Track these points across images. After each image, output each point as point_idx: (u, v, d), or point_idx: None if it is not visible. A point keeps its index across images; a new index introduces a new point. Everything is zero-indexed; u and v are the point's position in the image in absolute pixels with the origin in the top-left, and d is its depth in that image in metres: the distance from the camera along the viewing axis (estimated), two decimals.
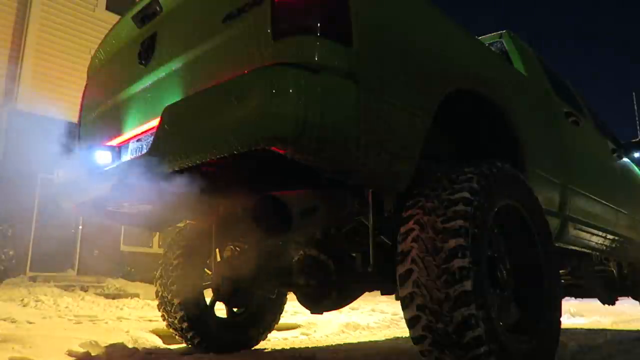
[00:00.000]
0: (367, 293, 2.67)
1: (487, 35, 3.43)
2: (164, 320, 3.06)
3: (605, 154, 3.76)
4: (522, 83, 2.84)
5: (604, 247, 3.53)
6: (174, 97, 1.92)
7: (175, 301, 2.93)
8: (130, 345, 3.09)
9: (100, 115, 2.54)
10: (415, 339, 1.71)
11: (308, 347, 3.45)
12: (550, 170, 2.72)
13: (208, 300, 3.08)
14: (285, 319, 4.10)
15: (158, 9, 2.21)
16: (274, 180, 2.13)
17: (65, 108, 7.71)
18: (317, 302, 2.57)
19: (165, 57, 2.10)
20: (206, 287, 3.05)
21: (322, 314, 2.77)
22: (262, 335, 3.39)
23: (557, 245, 2.75)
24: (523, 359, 1.84)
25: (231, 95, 1.59)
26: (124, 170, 2.05)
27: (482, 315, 1.62)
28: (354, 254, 2.32)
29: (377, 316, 5.90)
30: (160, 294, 3.02)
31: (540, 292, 2.12)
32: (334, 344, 3.79)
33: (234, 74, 1.64)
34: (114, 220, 2.70)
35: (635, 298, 4.53)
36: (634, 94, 18.01)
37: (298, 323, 4.75)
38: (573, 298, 4.55)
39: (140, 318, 4.34)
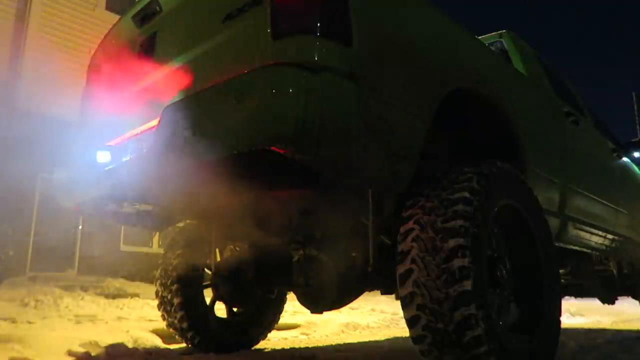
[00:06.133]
0: (367, 293, 2.67)
1: (487, 35, 3.43)
2: (164, 320, 3.06)
3: (605, 153, 3.76)
4: (522, 83, 2.84)
5: (604, 247, 3.53)
6: (173, 97, 1.92)
7: (175, 301, 2.93)
8: (130, 345, 3.09)
9: (99, 115, 2.54)
10: (415, 338, 1.71)
11: (308, 347, 3.44)
12: (550, 170, 2.72)
13: (208, 300, 3.08)
14: (285, 318, 4.09)
15: (158, 9, 2.21)
16: (274, 180, 2.13)
17: (65, 108, 7.71)
18: (317, 302, 2.57)
19: (164, 57, 2.10)
20: (206, 287, 3.05)
21: (322, 313, 2.77)
22: (262, 335, 3.39)
23: (557, 245, 2.75)
24: (523, 359, 1.84)
25: (231, 95, 1.59)
26: (124, 169, 2.05)
27: (482, 315, 1.62)
28: (354, 254, 2.32)
29: (377, 316, 5.90)
30: (160, 294, 3.02)
31: (540, 291, 2.12)
32: (334, 343, 3.79)
33: (234, 74, 1.64)
34: (114, 220, 2.70)
35: (635, 298, 4.54)
36: (634, 94, 18.03)
37: (298, 323, 4.75)
38: (573, 298, 4.55)
39: (140, 318, 4.34)
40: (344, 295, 2.53)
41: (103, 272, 8.44)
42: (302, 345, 3.54)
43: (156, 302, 3.09)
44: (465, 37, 2.35)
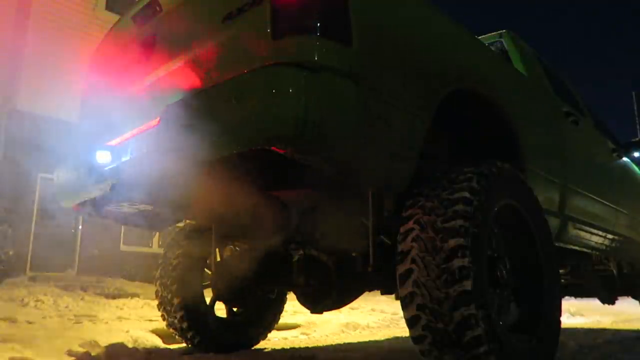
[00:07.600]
0: (367, 293, 2.67)
1: (487, 35, 3.43)
2: (164, 320, 3.06)
3: (604, 153, 3.76)
4: (522, 83, 2.84)
5: (604, 247, 3.53)
6: (173, 97, 1.92)
7: (175, 301, 2.93)
8: (130, 345, 3.09)
9: (99, 115, 2.54)
10: (415, 338, 1.71)
11: (308, 347, 3.44)
12: (550, 170, 2.72)
13: (208, 300, 3.08)
14: (285, 318, 4.09)
15: (158, 8, 2.21)
16: (274, 180, 2.13)
17: (65, 108, 7.72)
18: (317, 302, 2.57)
19: (164, 57, 2.10)
20: (206, 287, 3.05)
21: (322, 313, 2.77)
22: (262, 335, 3.38)
23: (557, 245, 2.75)
24: (523, 359, 1.84)
25: (231, 95, 1.59)
26: (124, 169, 2.05)
27: (482, 315, 1.62)
28: (354, 254, 2.32)
29: (377, 316, 5.90)
30: (160, 294, 3.02)
31: (540, 291, 2.12)
32: (333, 343, 3.79)
33: (234, 73, 1.64)
34: (114, 220, 2.70)
35: (635, 298, 4.54)
36: (634, 94, 18.04)
37: (298, 323, 4.75)
38: (573, 298, 4.55)
39: (140, 318, 4.34)
40: (344, 295, 2.53)
41: (103, 272, 8.45)
42: (302, 345, 3.54)
43: (156, 302, 3.09)
44: (465, 37, 2.35)
